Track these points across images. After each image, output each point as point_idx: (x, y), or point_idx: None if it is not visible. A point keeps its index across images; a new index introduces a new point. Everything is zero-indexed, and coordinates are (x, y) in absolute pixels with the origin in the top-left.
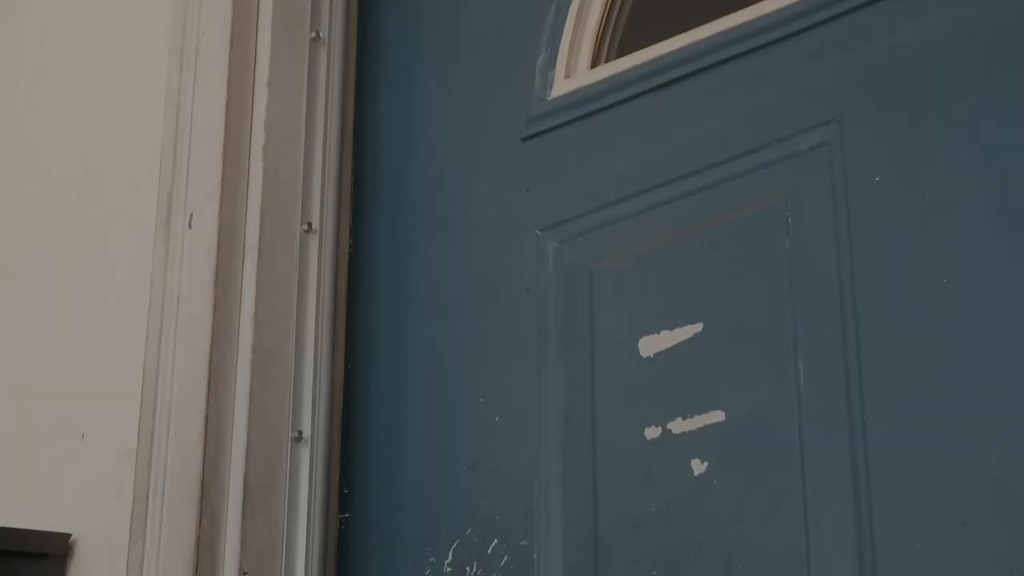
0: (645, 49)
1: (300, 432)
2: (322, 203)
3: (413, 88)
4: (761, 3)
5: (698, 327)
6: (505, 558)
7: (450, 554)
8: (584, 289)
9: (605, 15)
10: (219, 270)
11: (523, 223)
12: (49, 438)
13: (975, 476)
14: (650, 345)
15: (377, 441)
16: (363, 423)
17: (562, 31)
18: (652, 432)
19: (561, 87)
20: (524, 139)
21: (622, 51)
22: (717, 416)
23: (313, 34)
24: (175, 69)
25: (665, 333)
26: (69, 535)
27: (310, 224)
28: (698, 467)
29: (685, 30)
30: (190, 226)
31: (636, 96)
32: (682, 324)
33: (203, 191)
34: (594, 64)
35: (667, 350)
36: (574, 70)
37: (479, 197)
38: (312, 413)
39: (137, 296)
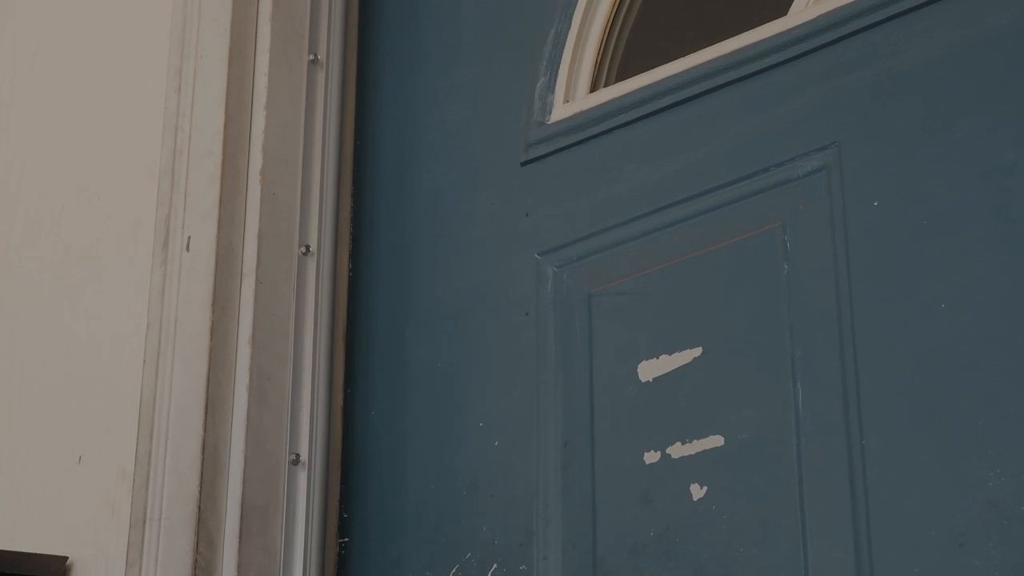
0: (644, 74)
1: (298, 455)
2: (320, 226)
3: (412, 112)
4: (758, 29)
5: (697, 351)
6: None
7: None
8: (583, 313)
9: (604, 40)
10: (217, 293)
11: (523, 247)
12: (46, 460)
13: (972, 497)
14: (649, 369)
15: (377, 465)
16: (363, 447)
17: (561, 56)
18: (651, 456)
19: (560, 112)
20: (524, 163)
21: (621, 75)
22: (716, 441)
23: (311, 57)
24: (173, 91)
25: (664, 357)
26: (66, 558)
27: (308, 247)
28: (697, 492)
29: (684, 55)
30: (188, 249)
31: (635, 121)
32: (681, 348)
33: (201, 214)
34: (593, 88)
35: (666, 374)
36: (573, 94)
37: (479, 222)
38: (310, 436)
39: (135, 318)
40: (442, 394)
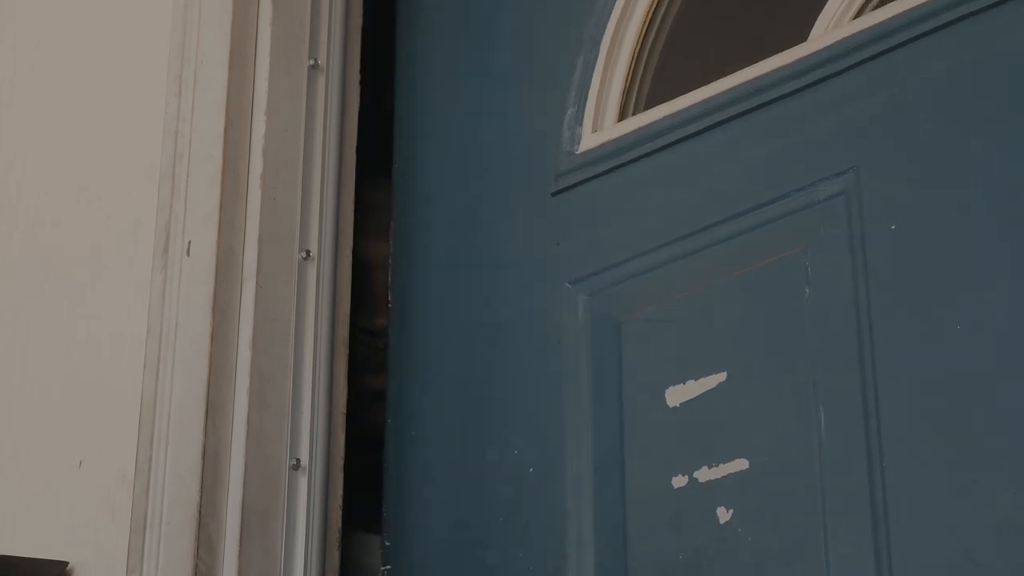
0: (669, 102)
1: (298, 460)
2: (320, 230)
3: (443, 138)
4: (779, 56)
5: (722, 376)
6: None
7: None
8: (613, 340)
9: (632, 68)
10: (217, 297)
11: (554, 276)
12: (46, 464)
13: (987, 517)
14: (676, 395)
15: (417, 492)
16: (401, 473)
17: (589, 85)
18: (679, 481)
19: (589, 141)
20: (554, 193)
21: (650, 103)
22: (741, 464)
23: (311, 61)
24: (173, 95)
25: (691, 383)
26: (66, 563)
27: (308, 251)
28: (724, 515)
29: (711, 81)
30: (188, 253)
31: (661, 149)
32: (707, 373)
33: (201, 218)
34: (621, 117)
35: (692, 399)
36: (601, 124)
37: (511, 251)
38: (310, 441)
39: (135, 323)
40: (478, 421)
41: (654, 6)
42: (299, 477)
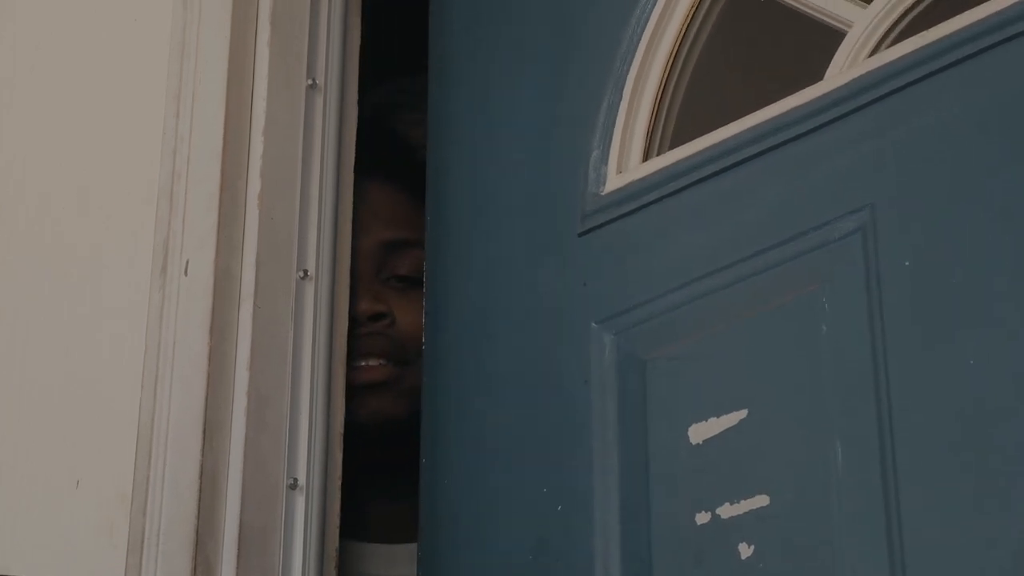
0: (691, 142)
1: (296, 479)
2: (318, 250)
3: (468, 184)
4: (796, 95)
5: (743, 413)
6: None
7: None
8: (639, 379)
9: (655, 109)
10: (215, 316)
11: (581, 316)
12: (44, 484)
13: (1002, 548)
14: (699, 432)
15: (453, 532)
16: (437, 513)
17: (614, 127)
18: (702, 517)
19: (614, 182)
20: (580, 234)
21: (675, 143)
22: (762, 500)
23: (309, 81)
24: (172, 115)
25: (712, 420)
26: None
27: (306, 271)
28: (745, 551)
29: (733, 120)
30: (186, 273)
31: (683, 188)
32: (728, 411)
33: (199, 238)
34: (646, 157)
35: (715, 436)
36: (626, 165)
37: (539, 292)
38: (308, 460)
39: (133, 342)
40: (507, 461)
41: (675, 49)
42: (297, 496)
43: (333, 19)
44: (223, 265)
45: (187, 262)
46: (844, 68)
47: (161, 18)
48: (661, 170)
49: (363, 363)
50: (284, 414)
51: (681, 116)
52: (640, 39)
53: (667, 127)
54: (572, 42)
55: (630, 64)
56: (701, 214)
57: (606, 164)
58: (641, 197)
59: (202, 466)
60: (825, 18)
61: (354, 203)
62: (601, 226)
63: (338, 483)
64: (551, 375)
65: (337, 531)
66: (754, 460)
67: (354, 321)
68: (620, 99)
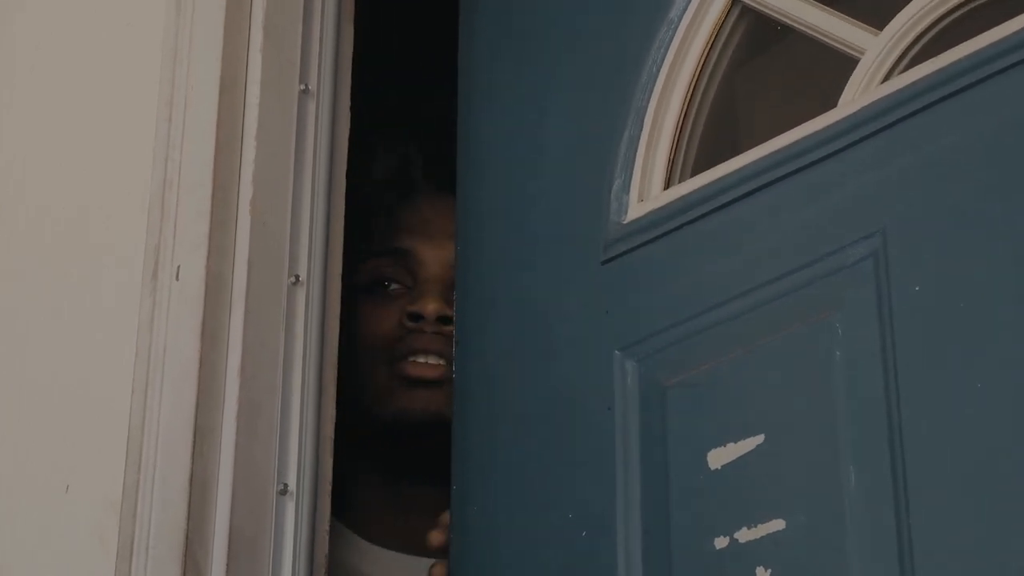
0: (709, 170)
1: (286, 485)
2: (310, 255)
3: (493, 217)
4: (810, 122)
5: (760, 438)
6: None
7: None
8: (659, 406)
9: (676, 140)
10: (206, 322)
11: (604, 344)
12: (33, 488)
13: (1014, 570)
14: (718, 457)
15: (480, 560)
16: (466, 540)
17: (635, 156)
18: (721, 542)
19: (635, 211)
20: (603, 263)
21: (695, 170)
22: (778, 524)
23: (302, 87)
24: (164, 119)
25: (730, 445)
26: None
27: (297, 276)
28: (762, 575)
29: (749, 148)
30: (177, 278)
31: (701, 216)
32: (745, 436)
33: (190, 243)
34: (667, 186)
35: (733, 461)
36: (647, 193)
37: (563, 321)
38: (298, 466)
39: (124, 348)
40: (535, 488)
41: (695, 79)
42: (287, 502)
43: (326, 25)
44: (215, 270)
45: (179, 267)
46: (857, 95)
47: (154, 23)
48: (680, 199)
49: (423, 360)
50: (275, 420)
51: (701, 144)
52: (660, 69)
53: (687, 155)
54: (594, 72)
55: (650, 94)
56: (719, 242)
57: (628, 193)
58: (661, 225)
59: (192, 471)
60: (839, 45)
61: (434, 214)
62: (623, 254)
63: (328, 487)
64: (576, 402)
65: (327, 535)
66: (771, 485)
67: (415, 317)
68: (641, 130)
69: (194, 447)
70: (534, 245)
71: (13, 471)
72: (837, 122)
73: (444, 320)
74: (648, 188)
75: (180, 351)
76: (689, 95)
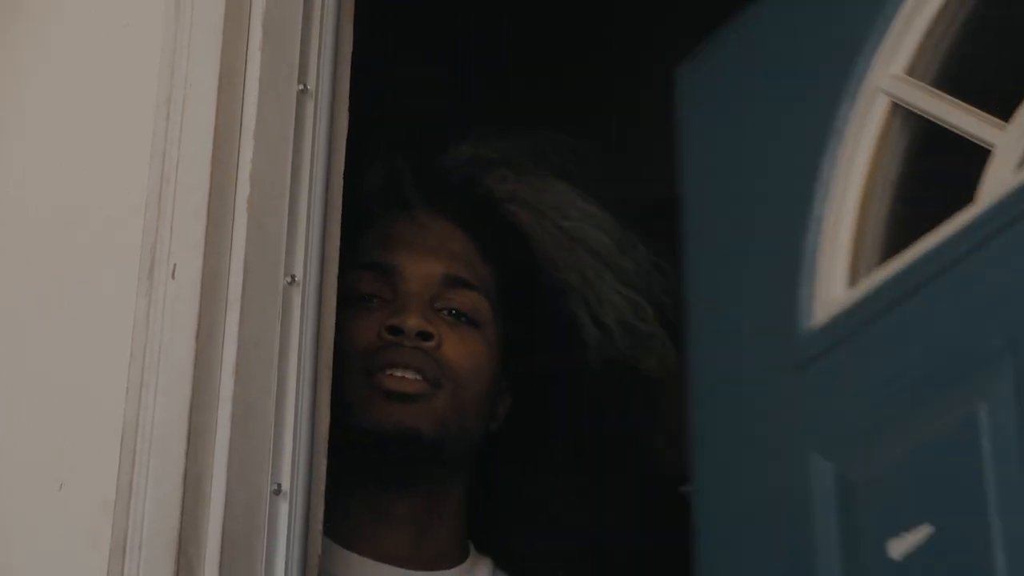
0: (876, 271)
1: (279, 485)
2: (306, 255)
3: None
4: (958, 216)
5: (930, 529)
6: None
7: None
8: (848, 500)
9: (855, 246)
10: (201, 321)
11: (800, 445)
12: (25, 487)
13: None
14: (897, 547)
15: None
16: None
17: (816, 264)
18: None
19: (820, 317)
20: (794, 368)
21: (867, 272)
22: None
23: (300, 86)
24: (162, 119)
25: (905, 535)
26: None
27: (293, 276)
28: None
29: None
30: (173, 277)
31: (875, 318)
32: (917, 525)
33: (187, 242)
34: (851, 286)
35: (910, 552)
36: (829, 298)
37: (757, 425)
38: (292, 467)
39: (119, 347)
40: None
41: (866, 185)
42: (280, 503)
43: (325, 25)
44: (210, 269)
45: (175, 266)
46: (992, 188)
47: (153, 22)
48: (854, 305)
49: (400, 374)
50: (269, 420)
51: (887, 245)
52: (832, 180)
53: (874, 259)
54: (781, 176)
55: (826, 202)
56: (891, 340)
57: (812, 299)
58: (842, 329)
59: (186, 471)
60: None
61: (420, 230)
62: (811, 360)
63: (322, 488)
64: (775, 504)
65: (320, 538)
66: (943, 573)
67: (394, 330)
68: (820, 238)
69: (188, 446)
70: (728, 349)
71: (6, 469)
72: (976, 217)
73: (424, 336)
74: (830, 293)
75: (175, 350)
76: (862, 201)
